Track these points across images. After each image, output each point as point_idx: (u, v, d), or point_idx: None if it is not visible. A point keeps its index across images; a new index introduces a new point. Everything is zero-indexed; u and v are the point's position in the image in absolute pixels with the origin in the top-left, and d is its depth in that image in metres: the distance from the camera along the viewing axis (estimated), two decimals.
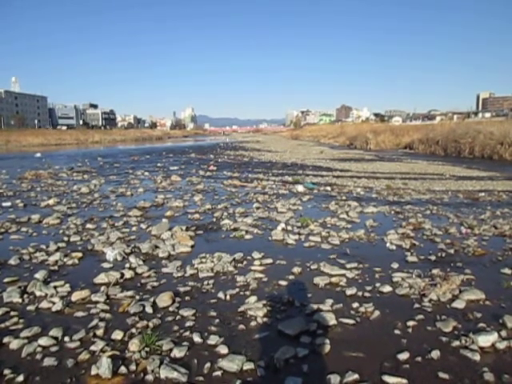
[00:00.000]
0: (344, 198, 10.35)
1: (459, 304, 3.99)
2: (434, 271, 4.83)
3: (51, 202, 9.49)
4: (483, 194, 11.13)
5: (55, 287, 4.39)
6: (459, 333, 3.44)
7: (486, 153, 24.64)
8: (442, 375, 2.85)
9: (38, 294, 4.24)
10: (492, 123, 32.81)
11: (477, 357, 3.07)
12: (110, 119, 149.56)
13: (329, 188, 12.16)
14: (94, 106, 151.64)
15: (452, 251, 5.74)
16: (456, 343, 3.27)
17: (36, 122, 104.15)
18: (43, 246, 5.89)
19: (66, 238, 6.36)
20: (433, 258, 5.46)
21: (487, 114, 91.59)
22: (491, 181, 14.37)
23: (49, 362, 3.01)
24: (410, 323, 3.61)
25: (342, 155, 28.24)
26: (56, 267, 5.12)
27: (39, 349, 3.19)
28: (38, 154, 29.32)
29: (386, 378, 2.81)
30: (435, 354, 3.10)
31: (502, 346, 3.22)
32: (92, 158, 25.89)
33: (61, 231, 6.85)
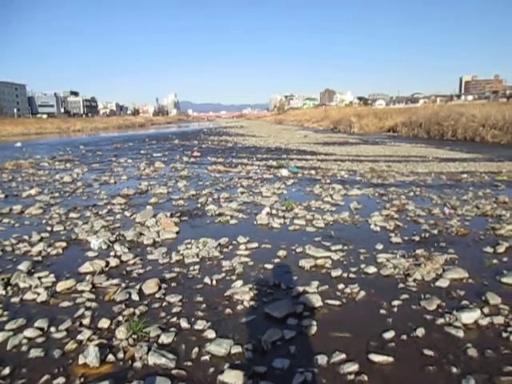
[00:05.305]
0: (328, 181, 10.39)
1: (443, 283, 4.06)
2: (418, 251, 4.90)
3: (33, 191, 9.35)
4: (466, 175, 11.28)
5: (39, 278, 4.33)
6: (443, 311, 3.51)
7: (469, 135, 24.90)
8: (426, 352, 2.91)
9: (21, 285, 4.19)
10: (474, 106, 33.11)
11: (460, 333, 3.14)
12: (91, 107, 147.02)
13: (313, 172, 12.20)
14: (75, 94, 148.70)
15: (435, 231, 5.82)
16: (440, 321, 3.34)
17: (15, 110, 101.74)
18: (26, 237, 5.80)
19: (49, 228, 6.27)
20: (417, 238, 5.53)
21: (470, 97, 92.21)
22: (473, 162, 14.55)
23: (35, 353, 2.98)
24: (395, 303, 3.67)
25: (325, 139, 28.27)
26: (40, 258, 5.05)
27: (25, 340, 3.16)
28: (19, 144, 28.73)
29: (372, 356, 2.86)
30: (420, 331, 3.16)
31: (484, 322, 3.30)
32: (74, 147, 25.44)
33: (44, 221, 6.76)
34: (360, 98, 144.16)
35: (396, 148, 20.95)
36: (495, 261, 4.65)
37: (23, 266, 4.61)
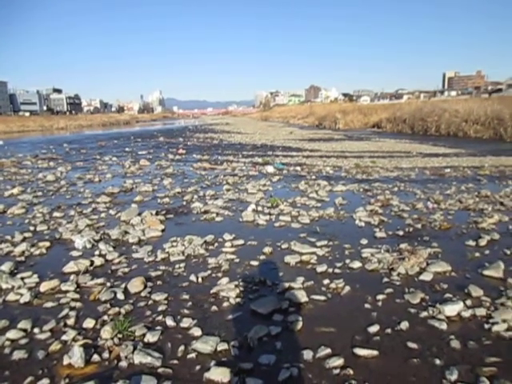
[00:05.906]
0: (313, 177, 10.44)
1: (426, 276, 4.12)
2: (402, 246, 4.95)
3: (15, 191, 9.21)
4: (449, 170, 11.42)
5: (22, 278, 4.28)
6: (427, 304, 3.56)
7: (452, 130, 25.19)
8: (411, 345, 2.95)
9: (4, 286, 4.13)
10: (457, 101, 33.48)
11: (444, 326, 3.19)
12: (75, 104, 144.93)
13: (298, 168, 12.24)
14: (58, 91, 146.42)
15: (419, 226, 5.89)
16: (424, 314, 3.38)
17: None
18: (8, 237, 5.72)
19: (32, 228, 6.19)
20: (401, 233, 5.59)
21: (453, 93, 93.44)
22: (456, 157, 14.73)
23: (18, 354, 2.94)
24: (380, 297, 3.71)
25: (311, 135, 28.33)
26: (23, 258, 4.99)
27: (8, 342, 3.12)
28: (0, 142, 28.27)
29: (357, 350, 2.88)
30: (404, 325, 3.20)
31: (467, 314, 3.36)
32: (57, 145, 25.10)
33: (26, 221, 6.66)
34: (345, 95, 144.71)
35: (380, 144, 21.10)
36: (477, 254, 4.73)
37: (5, 267, 4.54)
